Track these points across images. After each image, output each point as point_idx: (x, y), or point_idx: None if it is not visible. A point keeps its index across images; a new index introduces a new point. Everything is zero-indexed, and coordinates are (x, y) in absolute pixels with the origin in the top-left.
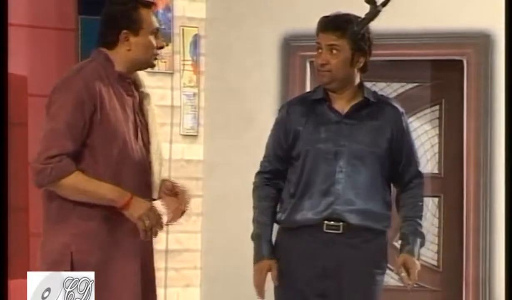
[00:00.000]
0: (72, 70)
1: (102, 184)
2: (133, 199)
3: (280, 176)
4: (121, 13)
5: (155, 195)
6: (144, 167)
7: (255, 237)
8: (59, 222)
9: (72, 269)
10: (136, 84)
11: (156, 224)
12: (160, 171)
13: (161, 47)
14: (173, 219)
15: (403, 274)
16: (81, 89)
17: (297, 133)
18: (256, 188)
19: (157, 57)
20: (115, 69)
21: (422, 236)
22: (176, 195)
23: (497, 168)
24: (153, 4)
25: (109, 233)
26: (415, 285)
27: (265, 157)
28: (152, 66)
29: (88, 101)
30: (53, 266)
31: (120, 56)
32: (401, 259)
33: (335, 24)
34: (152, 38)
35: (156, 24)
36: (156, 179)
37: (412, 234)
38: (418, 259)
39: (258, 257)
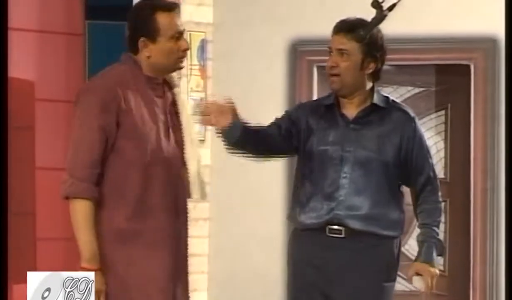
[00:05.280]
0: (100, 73)
1: (90, 234)
2: (96, 273)
3: (288, 134)
4: (137, 20)
5: (194, 194)
6: (178, 167)
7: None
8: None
9: None
10: (170, 85)
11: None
12: (199, 170)
13: (186, 49)
14: None
15: (417, 283)
16: (103, 91)
17: (311, 131)
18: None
19: (183, 59)
20: (142, 72)
21: (439, 243)
22: None
23: (504, 173)
24: (175, 6)
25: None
26: (419, 289)
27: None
28: (180, 68)
29: (111, 104)
30: None
31: (143, 61)
32: (413, 267)
33: (346, 27)
34: (172, 43)
35: (178, 28)
36: (194, 178)
37: (427, 241)
38: (434, 266)
39: None
